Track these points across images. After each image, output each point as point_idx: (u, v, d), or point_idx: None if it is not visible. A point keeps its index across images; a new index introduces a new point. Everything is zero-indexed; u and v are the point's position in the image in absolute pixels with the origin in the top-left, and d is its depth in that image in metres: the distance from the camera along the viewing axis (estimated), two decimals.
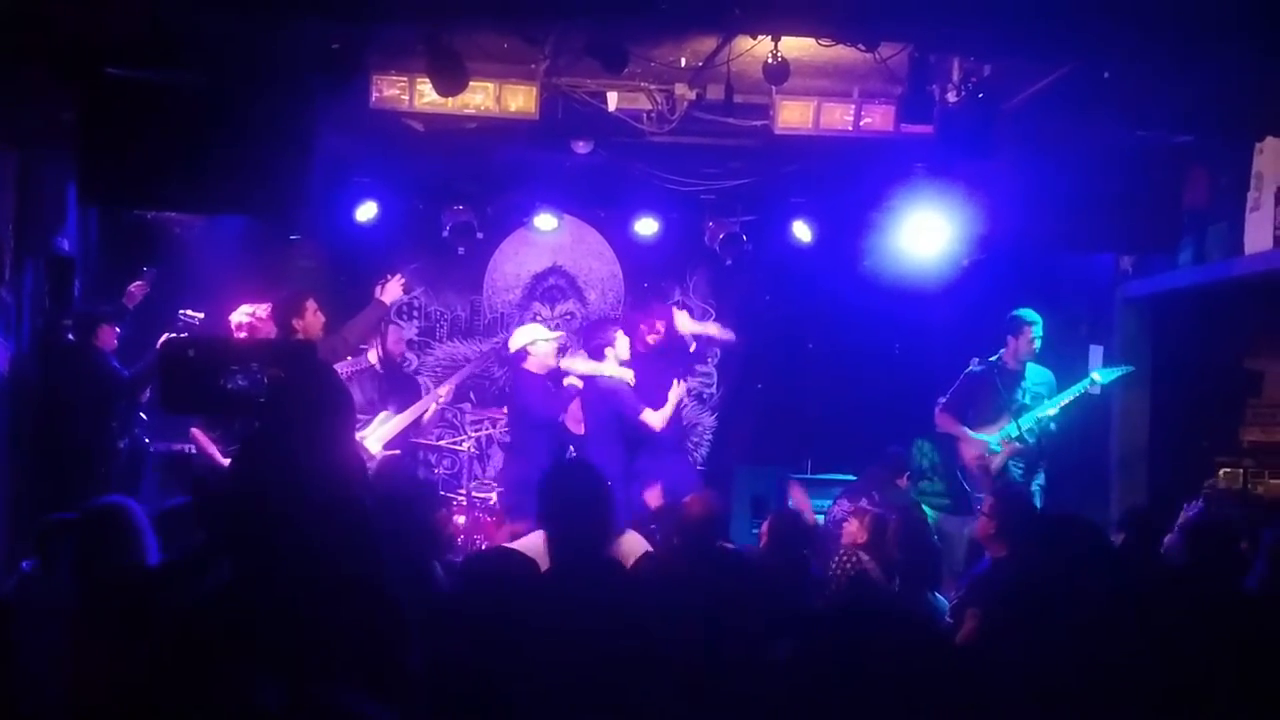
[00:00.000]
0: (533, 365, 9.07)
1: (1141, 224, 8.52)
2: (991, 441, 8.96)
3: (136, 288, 8.89)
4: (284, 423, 3.78)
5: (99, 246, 9.61)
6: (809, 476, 10.40)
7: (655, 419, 9.07)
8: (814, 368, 11.63)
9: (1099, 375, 8.98)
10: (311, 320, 8.16)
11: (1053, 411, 8.92)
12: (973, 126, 7.42)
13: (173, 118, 7.13)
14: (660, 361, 9.37)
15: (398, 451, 8.97)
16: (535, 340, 9.11)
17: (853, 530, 7.04)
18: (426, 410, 9.29)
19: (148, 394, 8.95)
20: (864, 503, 8.78)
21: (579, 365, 9.34)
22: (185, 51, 6.98)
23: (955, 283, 10.04)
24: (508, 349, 9.51)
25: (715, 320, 11.76)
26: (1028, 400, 9.04)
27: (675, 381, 9.24)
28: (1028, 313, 9.06)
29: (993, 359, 9.12)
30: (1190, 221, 8.63)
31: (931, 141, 7.88)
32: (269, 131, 7.24)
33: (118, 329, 8.61)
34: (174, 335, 8.46)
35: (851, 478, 9.67)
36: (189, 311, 8.84)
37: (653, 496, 8.76)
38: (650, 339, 9.44)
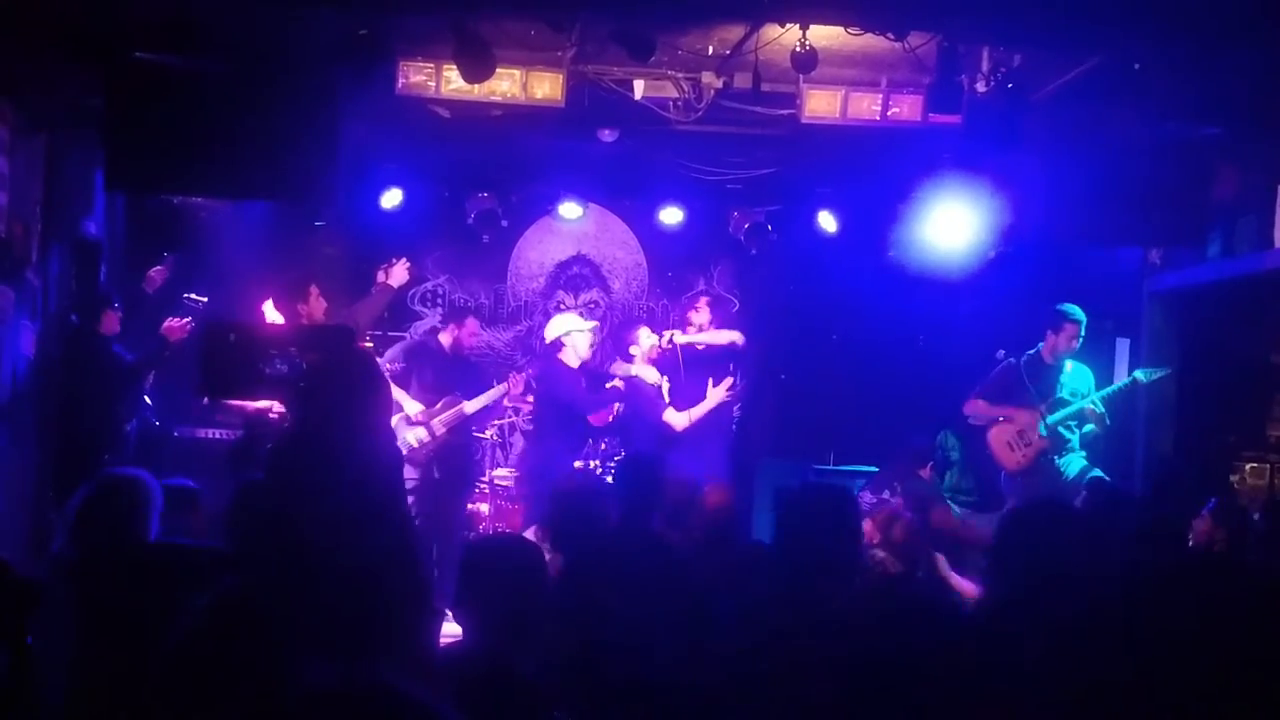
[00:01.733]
0: (567, 356, 9.10)
1: (1168, 217, 8.48)
2: (1041, 427, 8.76)
3: (156, 273, 8.90)
4: (321, 408, 3.79)
5: (125, 231, 9.62)
6: (832, 468, 10.38)
7: (678, 419, 9.10)
8: (838, 359, 11.58)
9: (1141, 375, 8.81)
10: (314, 304, 8.23)
11: (1092, 409, 8.72)
12: (1002, 117, 7.39)
13: (200, 103, 7.16)
14: (699, 362, 9.37)
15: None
16: (570, 330, 9.15)
17: (868, 530, 7.02)
18: (503, 397, 9.51)
19: (151, 378, 8.97)
20: (886, 494, 8.76)
21: (619, 369, 9.40)
22: (212, 37, 6.99)
23: (981, 275, 9.99)
24: (542, 340, 9.59)
25: (739, 309, 11.77)
26: (1065, 395, 8.85)
27: (711, 383, 9.22)
28: (1073, 309, 8.82)
29: (1031, 352, 8.93)
30: (1219, 215, 8.57)
31: (959, 132, 7.84)
32: (295, 117, 7.26)
33: (120, 313, 8.59)
34: (180, 320, 8.53)
35: (875, 470, 9.64)
36: (193, 295, 8.87)
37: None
38: (694, 317, 9.55)
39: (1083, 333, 8.80)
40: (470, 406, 9.10)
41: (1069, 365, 8.89)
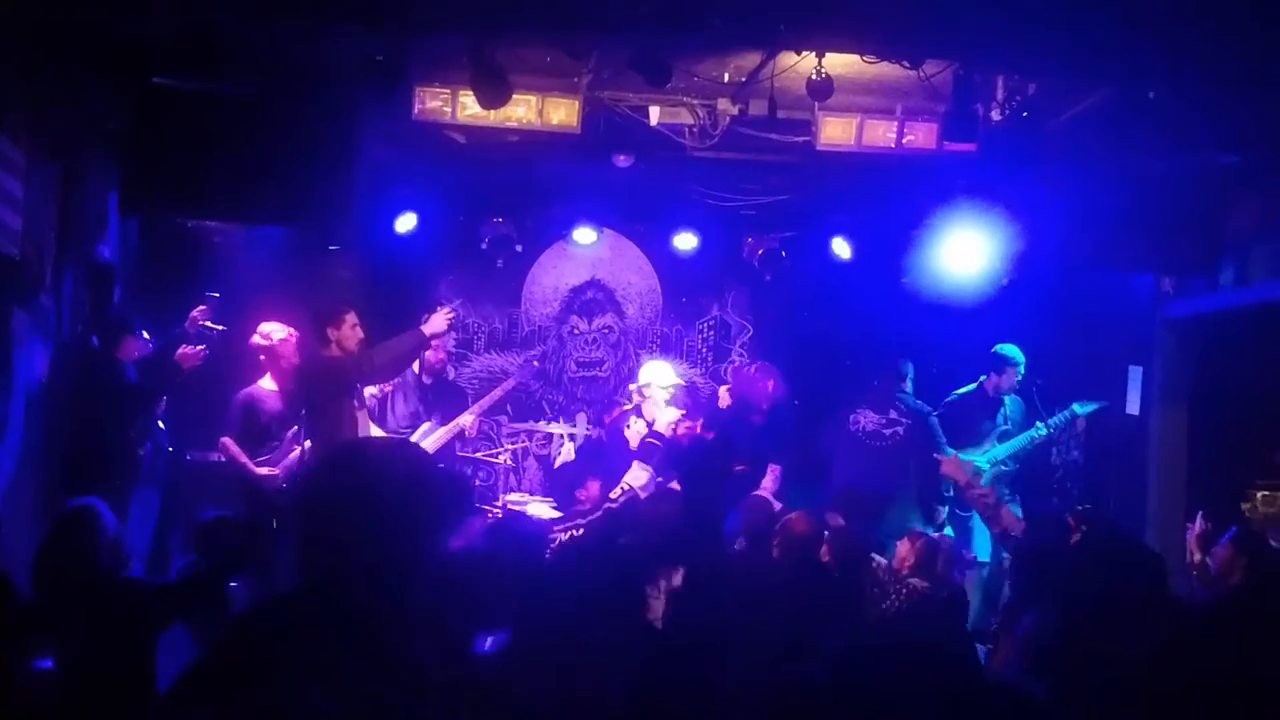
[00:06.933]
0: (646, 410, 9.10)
1: (1182, 245, 8.46)
2: (979, 460, 9.24)
3: (199, 313, 8.85)
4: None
5: (139, 254, 9.64)
6: None
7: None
8: (850, 385, 11.54)
9: (1078, 408, 9.38)
10: (348, 334, 7.96)
11: (1038, 437, 9.33)
12: (1017, 145, 7.40)
13: (217, 127, 7.16)
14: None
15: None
16: (650, 384, 9.19)
17: (903, 553, 6.93)
18: (467, 426, 9.30)
19: (164, 404, 8.97)
20: (893, 414, 9.39)
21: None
22: (231, 62, 7.01)
23: (994, 302, 9.98)
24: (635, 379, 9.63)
25: (753, 335, 11.77)
26: (1008, 427, 9.43)
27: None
28: (1013, 351, 9.41)
29: (973, 386, 9.55)
30: (1233, 243, 8.56)
31: (973, 160, 7.85)
32: (313, 143, 7.26)
33: (140, 340, 8.60)
34: (194, 348, 8.50)
35: None
36: (209, 323, 8.86)
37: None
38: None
39: (1022, 372, 9.38)
40: (441, 433, 8.95)
41: (1008, 399, 9.51)
